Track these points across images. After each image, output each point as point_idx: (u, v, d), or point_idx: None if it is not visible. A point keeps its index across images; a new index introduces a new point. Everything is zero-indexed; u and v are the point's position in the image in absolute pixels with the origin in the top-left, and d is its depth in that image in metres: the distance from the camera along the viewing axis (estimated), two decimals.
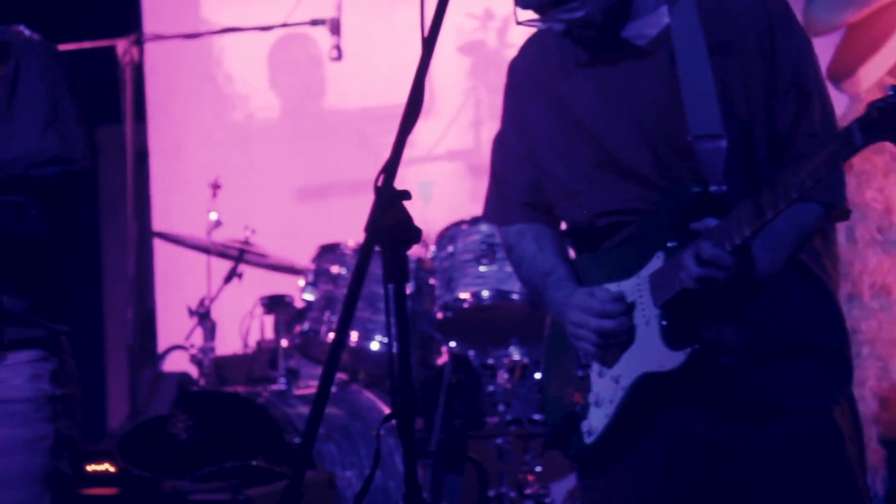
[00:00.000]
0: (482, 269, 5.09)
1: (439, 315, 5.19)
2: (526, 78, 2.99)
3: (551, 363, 3.02)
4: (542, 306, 2.99)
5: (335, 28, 5.72)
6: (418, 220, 2.44)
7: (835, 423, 2.76)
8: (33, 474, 2.99)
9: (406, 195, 2.43)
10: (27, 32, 3.08)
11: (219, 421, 4.50)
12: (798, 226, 2.73)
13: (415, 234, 2.44)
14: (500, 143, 3.06)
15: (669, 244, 2.71)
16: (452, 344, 5.24)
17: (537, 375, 5.21)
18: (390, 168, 2.46)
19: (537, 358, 5.21)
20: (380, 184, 2.44)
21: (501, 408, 5.09)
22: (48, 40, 3.09)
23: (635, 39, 2.82)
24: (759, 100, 2.77)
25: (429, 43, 2.50)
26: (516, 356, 5.15)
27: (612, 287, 2.79)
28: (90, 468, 4.37)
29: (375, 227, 2.43)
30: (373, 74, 7.11)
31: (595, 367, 2.84)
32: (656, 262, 2.73)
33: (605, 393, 2.81)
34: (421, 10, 2.51)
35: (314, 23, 5.77)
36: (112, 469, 4.37)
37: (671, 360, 2.68)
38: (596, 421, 2.83)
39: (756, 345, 2.74)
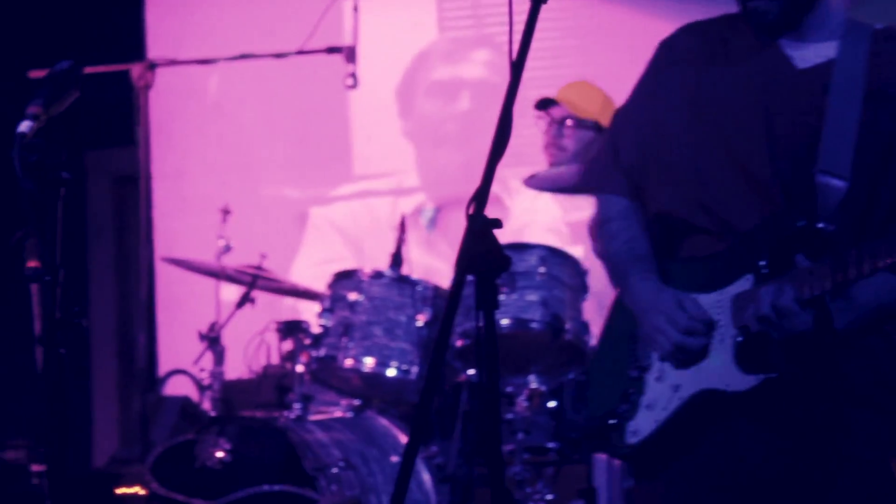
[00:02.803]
0: (502, 297, 5.09)
1: (458, 343, 5.20)
2: (673, 59, 2.98)
3: (606, 353, 3.03)
4: (619, 286, 2.97)
5: (351, 56, 5.74)
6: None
7: (892, 473, 2.77)
8: None
9: (497, 223, 2.46)
10: None
11: (249, 445, 4.50)
12: (878, 296, 2.71)
13: (505, 262, 2.47)
14: (623, 114, 3.07)
15: (761, 269, 2.72)
16: (471, 372, 5.25)
17: (551, 404, 5.25)
18: (481, 196, 2.47)
19: (554, 387, 5.24)
20: (471, 212, 2.47)
21: (520, 436, 5.11)
22: None
23: (796, 60, 2.84)
24: None
25: (517, 67, 2.51)
26: (534, 384, 5.17)
27: (696, 298, 2.80)
28: (120, 491, 4.36)
29: (468, 255, 2.45)
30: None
31: (654, 370, 2.86)
32: (744, 283, 2.75)
33: (660, 398, 2.84)
34: (509, 34, 2.51)
35: (330, 50, 5.78)
36: (142, 492, 4.37)
37: (741, 382, 2.70)
38: (644, 424, 2.86)
39: (826, 388, 2.77)
